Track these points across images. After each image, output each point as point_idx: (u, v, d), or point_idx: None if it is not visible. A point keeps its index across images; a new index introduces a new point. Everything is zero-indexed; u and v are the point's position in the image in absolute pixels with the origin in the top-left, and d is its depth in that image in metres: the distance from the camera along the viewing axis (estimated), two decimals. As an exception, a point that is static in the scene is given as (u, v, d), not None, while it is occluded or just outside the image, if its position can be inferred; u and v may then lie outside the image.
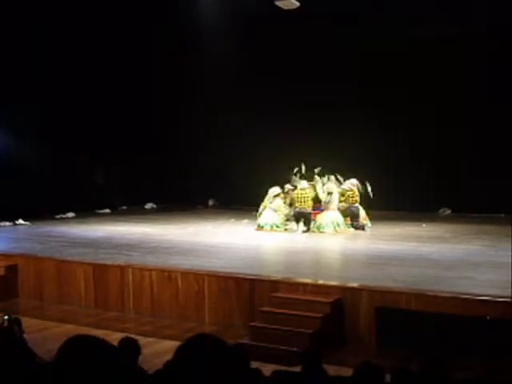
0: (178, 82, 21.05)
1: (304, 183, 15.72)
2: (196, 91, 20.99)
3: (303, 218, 15.44)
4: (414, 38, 17.21)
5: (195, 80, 20.79)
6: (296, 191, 15.73)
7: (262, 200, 16.16)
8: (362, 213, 15.65)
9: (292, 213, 15.84)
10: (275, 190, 16.03)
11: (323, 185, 15.67)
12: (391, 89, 18.02)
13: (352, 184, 15.66)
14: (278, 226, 15.63)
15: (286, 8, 16.40)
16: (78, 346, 3.04)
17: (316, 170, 15.96)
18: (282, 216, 15.88)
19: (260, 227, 15.75)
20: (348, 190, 15.59)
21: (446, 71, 17.38)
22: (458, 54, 17.17)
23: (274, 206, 15.86)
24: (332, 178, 15.90)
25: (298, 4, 16.12)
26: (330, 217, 15.26)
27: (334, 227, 15.13)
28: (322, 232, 15.09)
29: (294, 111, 19.22)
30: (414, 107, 17.91)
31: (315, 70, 18.85)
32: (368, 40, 18.03)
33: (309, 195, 15.49)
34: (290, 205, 15.99)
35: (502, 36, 16.30)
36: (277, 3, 16.18)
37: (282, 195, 15.98)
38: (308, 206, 15.45)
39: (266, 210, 15.89)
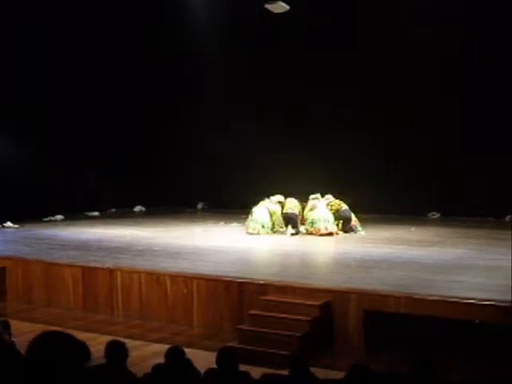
0: (173, 83, 21.05)
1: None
2: (190, 94, 21.00)
3: (291, 221, 15.57)
4: (407, 43, 17.22)
5: (189, 82, 20.79)
6: (287, 199, 16.17)
7: (253, 203, 16.26)
8: (353, 216, 15.76)
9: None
10: (279, 197, 16.29)
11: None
12: (380, 94, 18.01)
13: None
14: (263, 227, 15.64)
15: (275, 11, 16.41)
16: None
17: (311, 197, 16.02)
18: (275, 222, 15.87)
19: (250, 222, 15.78)
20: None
21: (437, 73, 17.35)
22: (450, 56, 17.14)
23: (271, 208, 15.89)
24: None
25: (287, 7, 16.13)
26: (320, 213, 15.41)
27: (325, 222, 15.23)
28: (315, 228, 15.23)
29: (291, 114, 19.23)
30: (403, 110, 17.90)
31: (309, 74, 18.84)
32: (363, 43, 18.06)
33: (297, 205, 15.97)
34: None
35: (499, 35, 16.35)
36: (266, 6, 16.20)
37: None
38: (295, 209, 15.73)
39: (261, 207, 15.93)
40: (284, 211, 15.83)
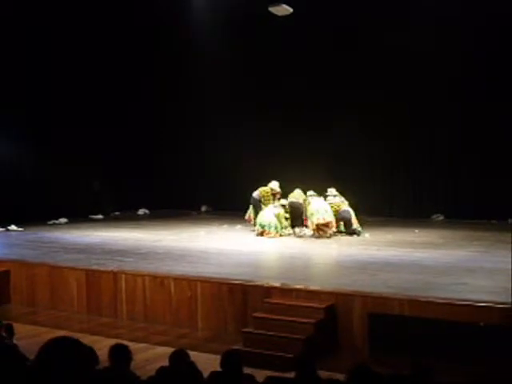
0: (173, 85, 21.07)
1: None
2: (191, 96, 21.01)
3: (296, 211, 15.73)
4: (407, 43, 17.18)
5: (190, 85, 20.80)
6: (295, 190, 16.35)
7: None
8: (353, 216, 15.64)
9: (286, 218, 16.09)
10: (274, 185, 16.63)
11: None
12: (382, 94, 17.99)
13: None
14: (275, 228, 15.63)
15: (279, 14, 16.44)
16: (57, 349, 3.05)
17: (308, 193, 15.98)
18: (281, 224, 15.84)
19: (261, 227, 15.74)
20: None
21: (438, 73, 17.34)
22: (450, 56, 17.14)
23: (276, 211, 15.86)
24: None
25: (291, 10, 16.16)
26: (316, 205, 15.32)
27: (322, 213, 15.17)
28: (312, 221, 15.17)
29: (292, 115, 19.22)
30: (405, 113, 17.90)
31: (309, 74, 18.85)
32: (360, 43, 18.07)
33: (301, 193, 16.12)
34: (286, 219, 16.09)
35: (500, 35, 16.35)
36: (270, 9, 16.22)
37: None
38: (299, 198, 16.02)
39: (267, 209, 15.95)
40: (290, 201, 15.94)
